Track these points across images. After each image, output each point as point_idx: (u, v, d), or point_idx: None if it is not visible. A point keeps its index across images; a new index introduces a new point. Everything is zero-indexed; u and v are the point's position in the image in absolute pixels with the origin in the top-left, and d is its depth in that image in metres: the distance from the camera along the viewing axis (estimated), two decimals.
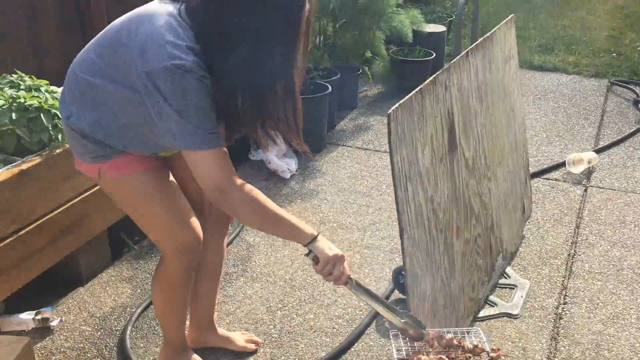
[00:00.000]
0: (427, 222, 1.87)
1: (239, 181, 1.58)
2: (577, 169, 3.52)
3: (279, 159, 3.53)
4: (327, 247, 1.64)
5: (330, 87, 3.80)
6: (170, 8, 1.55)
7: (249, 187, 1.60)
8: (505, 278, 2.60)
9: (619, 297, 2.48)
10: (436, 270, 1.96)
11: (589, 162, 3.53)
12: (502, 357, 1.61)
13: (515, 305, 2.42)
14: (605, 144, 3.89)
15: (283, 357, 2.19)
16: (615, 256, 2.76)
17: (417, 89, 1.78)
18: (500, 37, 2.47)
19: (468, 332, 1.75)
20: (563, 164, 3.59)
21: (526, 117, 4.33)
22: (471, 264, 2.25)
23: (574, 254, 2.78)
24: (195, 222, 1.85)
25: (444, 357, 1.56)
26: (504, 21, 2.54)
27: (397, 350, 1.69)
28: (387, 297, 2.47)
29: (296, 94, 1.58)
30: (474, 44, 2.22)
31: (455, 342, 1.63)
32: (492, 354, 1.61)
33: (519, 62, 2.77)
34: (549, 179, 3.49)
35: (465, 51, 2.14)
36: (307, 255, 1.65)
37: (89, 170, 1.77)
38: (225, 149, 1.59)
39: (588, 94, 4.85)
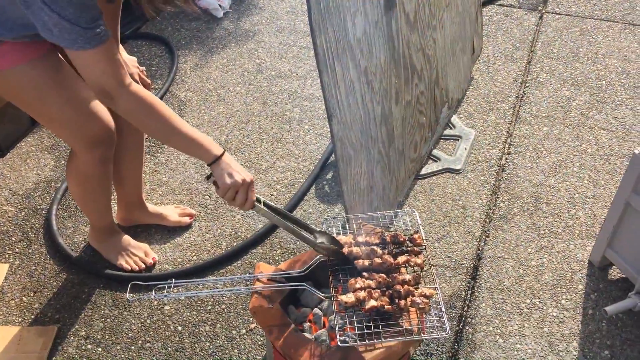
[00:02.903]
0: (361, 98, 1.70)
1: (130, 84, 1.36)
2: None
3: None
4: (230, 170, 1.44)
5: None
6: None
7: (142, 91, 1.39)
8: (451, 128, 2.49)
9: (563, 143, 2.43)
10: (372, 144, 1.83)
11: None
12: (422, 241, 1.55)
13: (459, 159, 2.35)
14: None
15: (219, 230, 2.13)
16: (564, 96, 2.65)
17: None
18: None
19: (401, 213, 1.67)
20: None
21: None
22: (413, 126, 2.12)
23: (523, 96, 2.66)
24: (102, 109, 1.64)
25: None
26: None
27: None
28: (329, 156, 2.37)
29: None
30: None
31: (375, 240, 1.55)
32: (415, 238, 1.55)
33: None
34: (503, 5, 3.23)
35: None
36: (207, 178, 1.47)
37: None
38: (112, 43, 1.33)
39: None
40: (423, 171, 2.30)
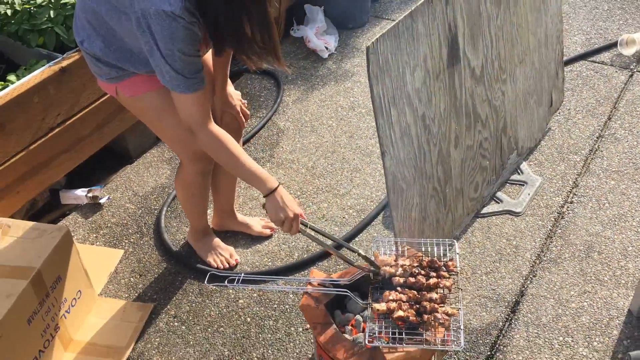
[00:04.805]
0: (417, 139, 1.97)
1: (210, 124, 1.75)
2: (629, 51, 3.33)
3: (318, 37, 3.56)
4: (281, 205, 1.77)
5: None
6: None
7: (218, 131, 1.76)
8: (519, 174, 2.67)
9: (627, 198, 2.52)
10: (427, 180, 2.08)
11: None
12: (456, 270, 1.78)
13: (520, 203, 2.53)
14: None
15: (294, 243, 2.46)
16: (638, 153, 2.73)
17: (406, 13, 1.78)
18: None
19: (449, 244, 1.90)
20: (615, 45, 3.41)
21: None
22: (473, 168, 2.34)
23: (597, 150, 2.78)
24: None
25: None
26: None
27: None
28: None
29: (271, 28, 1.63)
30: None
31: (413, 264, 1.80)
32: (451, 266, 1.78)
33: None
34: (595, 62, 3.35)
35: None
36: (263, 206, 1.81)
37: (107, 89, 1.96)
38: (206, 91, 1.71)
39: None
40: (484, 210, 2.51)
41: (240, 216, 2.51)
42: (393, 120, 1.83)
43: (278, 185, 1.81)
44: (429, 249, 1.90)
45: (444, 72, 2.02)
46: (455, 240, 1.90)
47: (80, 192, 2.72)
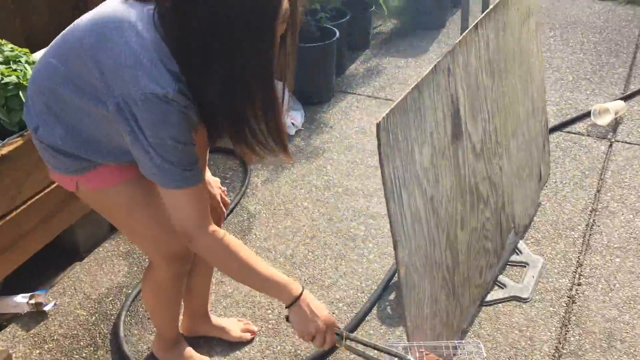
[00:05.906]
0: (427, 224, 1.72)
1: (211, 227, 1.45)
2: (603, 120, 3.27)
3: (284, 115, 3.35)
4: (308, 316, 1.48)
5: (338, 31, 3.54)
6: (137, 12, 1.33)
7: (221, 234, 1.47)
8: (517, 254, 2.46)
9: (638, 277, 2.34)
10: (437, 269, 1.83)
11: (615, 113, 3.27)
12: None
13: (526, 288, 2.30)
14: (637, 88, 3.60)
15: (279, 347, 2.12)
16: (637, 227, 2.58)
17: (414, 85, 1.57)
18: None
19: (466, 344, 1.64)
20: (588, 115, 3.34)
21: (552, 56, 4.04)
22: (478, 251, 2.11)
23: (593, 224, 2.61)
24: None
25: None
26: None
27: None
28: (392, 277, 2.37)
29: (278, 110, 1.39)
30: (485, 12, 1.97)
31: None
32: None
33: None
34: (571, 133, 3.26)
35: (474, 24, 1.90)
36: (286, 320, 1.50)
37: (65, 183, 1.62)
38: (202, 185, 1.43)
39: (621, 25, 4.48)
40: (489, 298, 2.26)
41: (214, 318, 2.16)
42: (404, 206, 1.59)
43: (302, 291, 1.51)
44: (451, 352, 1.62)
45: (449, 147, 1.81)
46: (480, 342, 1.63)
47: (21, 298, 2.30)
